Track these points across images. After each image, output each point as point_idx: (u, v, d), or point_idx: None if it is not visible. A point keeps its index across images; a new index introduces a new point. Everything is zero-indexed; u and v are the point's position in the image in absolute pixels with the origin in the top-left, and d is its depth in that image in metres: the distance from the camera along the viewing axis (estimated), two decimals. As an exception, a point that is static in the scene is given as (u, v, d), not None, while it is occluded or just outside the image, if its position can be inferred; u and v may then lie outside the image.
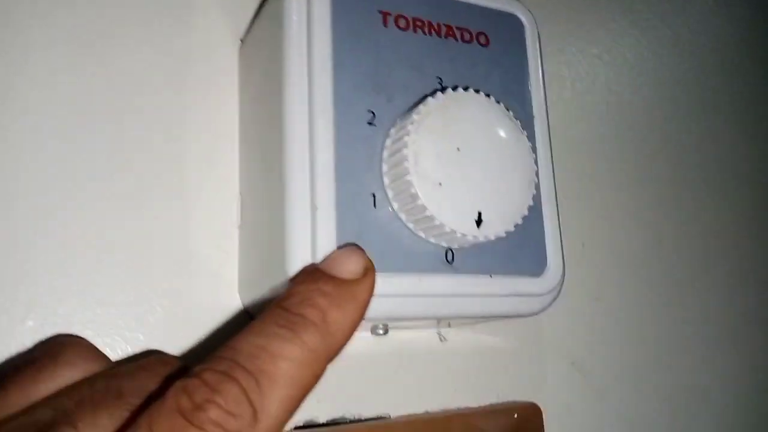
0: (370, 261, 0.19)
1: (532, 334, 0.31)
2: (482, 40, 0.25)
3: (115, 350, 0.24)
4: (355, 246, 0.20)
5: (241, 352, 0.16)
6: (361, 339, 0.27)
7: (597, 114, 0.38)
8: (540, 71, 0.26)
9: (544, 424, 0.29)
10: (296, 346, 0.16)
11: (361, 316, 0.18)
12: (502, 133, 0.22)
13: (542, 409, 0.30)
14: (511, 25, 0.26)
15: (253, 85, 0.26)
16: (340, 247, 0.20)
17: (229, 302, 0.26)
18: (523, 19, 0.26)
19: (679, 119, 0.40)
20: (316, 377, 0.17)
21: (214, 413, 0.14)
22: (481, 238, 0.21)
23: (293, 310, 0.17)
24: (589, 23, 0.39)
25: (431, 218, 0.21)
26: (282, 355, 0.16)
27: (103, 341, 0.23)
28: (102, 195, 0.24)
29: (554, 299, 0.24)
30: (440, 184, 0.21)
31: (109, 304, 0.24)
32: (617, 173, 0.37)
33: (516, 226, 0.22)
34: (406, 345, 0.28)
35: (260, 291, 0.24)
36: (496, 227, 0.21)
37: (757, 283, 0.40)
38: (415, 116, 0.21)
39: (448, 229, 0.21)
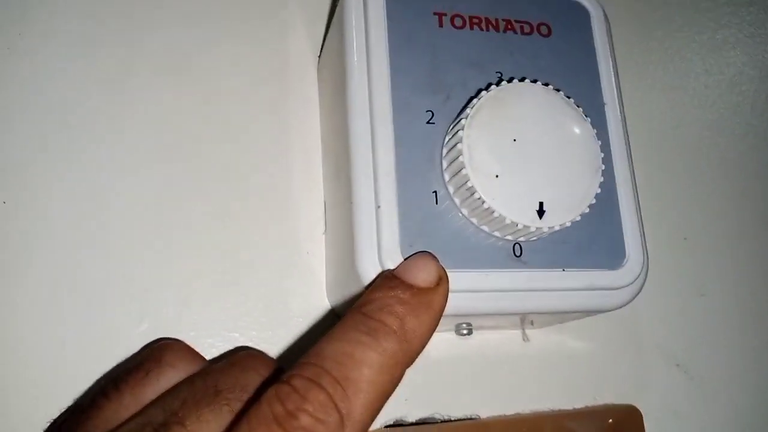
0: (444, 269, 0.20)
1: (630, 334, 0.30)
2: (544, 31, 0.25)
3: (218, 349, 0.25)
4: (428, 254, 0.20)
5: (326, 358, 0.17)
6: (446, 340, 0.27)
7: (700, 108, 0.35)
8: (610, 59, 0.25)
9: (645, 428, 0.28)
10: (377, 353, 0.17)
11: (436, 324, 0.19)
12: (561, 121, 0.22)
13: (642, 413, 0.28)
14: (575, 14, 0.26)
15: (327, 96, 0.27)
16: (413, 254, 0.21)
17: (319, 304, 0.27)
18: (589, 6, 0.26)
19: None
20: (395, 383, 0.18)
21: (305, 420, 0.16)
22: (545, 229, 0.21)
23: (374, 317, 0.18)
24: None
25: (490, 211, 0.20)
26: (365, 361, 0.17)
27: (206, 342, 0.25)
28: (204, 209, 0.26)
29: (637, 293, 0.23)
30: (497, 176, 0.21)
31: (210, 307, 0.26)
32: (720, 167, 0.34)
33: (583, 215, 0.21)
34: (491, 345, 0.28)
35: (342, 291, 0.24)
36: (559, 217, 0.21)
37: None
38: (468, 110, 0.21)
39: (508, 221, 0.20)
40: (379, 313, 0.18)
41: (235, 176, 0.27)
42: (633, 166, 0.24)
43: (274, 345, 0.26)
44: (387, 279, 0.19)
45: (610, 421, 0.27)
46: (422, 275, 0.19)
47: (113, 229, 0.25)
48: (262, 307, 0.26)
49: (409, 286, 0.19)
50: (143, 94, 0.27)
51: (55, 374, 0.24)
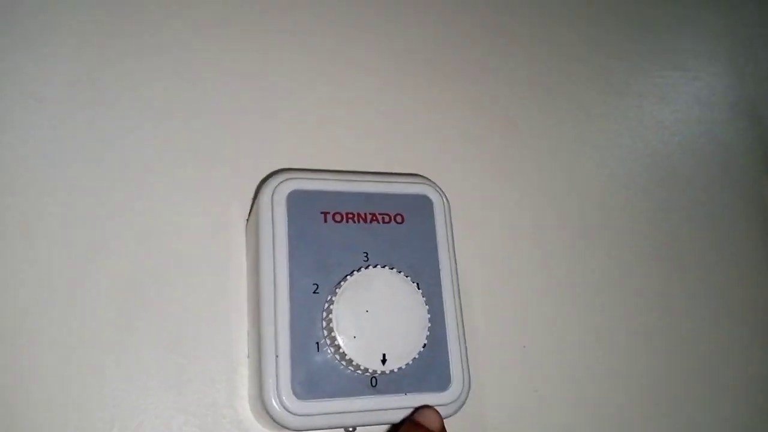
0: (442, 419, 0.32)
1: (480, 427, 0.40)
2: (399, 219, 0.36)
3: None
4: (434, 409, 0.32)
5: None
6: (335, 434, 0.37)
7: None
8: (446, 235, 0.36)
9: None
10: None
11: None
12: (400, 295, 0.32)
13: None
14: (421, 203, 0.36)
15: (250, 257, 0.38)
16: (425, 407, 0.32)
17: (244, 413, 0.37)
18: (432, 197, 0.37)
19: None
20: None
21: None
22: (387, 371, 0.31)
23: None
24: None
25: (351, 360, 0.31)
26: None
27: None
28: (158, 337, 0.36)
29: (460, 406, 0.34)
30: (354, 336, 0.31)
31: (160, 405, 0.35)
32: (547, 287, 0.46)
33: (420, 355, 0.32)
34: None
35: (255, 411, 0.34)
36: (397, 362, 0.31)
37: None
38: (337, 290, 0.32)
39: (362, 367, 0.31)
40: None
41: (178, 316, 0.37)
42: (462, 317, 0.35)
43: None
44: (414, 425, 0.31)
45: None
46: (436, 424, 0.31)
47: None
48: (200, 417, 0.36)
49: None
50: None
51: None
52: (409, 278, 0.33)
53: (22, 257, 0.36)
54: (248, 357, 0.37)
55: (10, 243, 0.36)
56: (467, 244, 0.42)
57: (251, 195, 0.40)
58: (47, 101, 0.39)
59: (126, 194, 0.38)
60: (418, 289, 0.33)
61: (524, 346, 0.44)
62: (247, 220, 0.40)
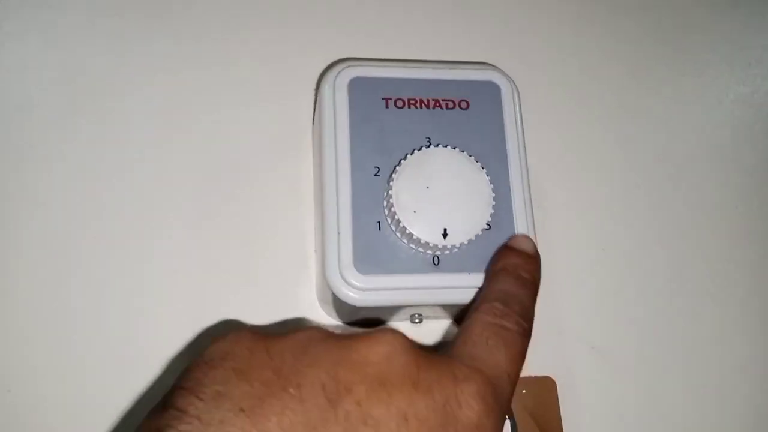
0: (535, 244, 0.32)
1: (546, 322, 0.39)
2: (463, 105, 0.35)
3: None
4: (526, 235, 0.33)
5: (499, 294, 0.29)
6: (403, 327, 0.37)
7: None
8: (515, 122, 0.35)
9: (559, 396, 0.37)
10: (528, 291, 0.30)
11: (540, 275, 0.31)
12: (462, 172, 0.32)
13: (555, 382, 0.37)
14: (489, 89, 0.36)
15: (315, 153, 0.38)
16: (519, 235, 0.33)
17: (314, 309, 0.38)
18: (499, 83, 0.36)
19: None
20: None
21: (511, 320, 0.28)
22: (448, 246, 0.31)
23: (520, 274, 0.30)
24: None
25: (411, 234, 0.31)
26: (525, 295, 0.30)
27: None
28: (224, 241, 0.38)
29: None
30: (415, 211, 0.31)
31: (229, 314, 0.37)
32: (638, 193, 0.44)
33: (485, 236, 0.32)
34: (437, 331, 0.38)
35: (320, 294, 0.35)
36: (458, 238, 0.31)
37: None
38: (397, 168, 0.32)
39: (423, 241, 0.31)
40: (520, 271, 0.31)
41: (258, 209, 0.38)
42: (531, 204, 0.34)
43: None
44: (509, 249, 0.32)
45: (524, 391, 0.36)
46: (530, 248, 0.32)
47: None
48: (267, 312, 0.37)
49: (527, 254, 0.32)
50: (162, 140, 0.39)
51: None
52: (472, 157, 0.32)
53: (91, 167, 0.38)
54: (315, 251, 0.38)
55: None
56: (540, 137, 0.40)
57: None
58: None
59: (194, 98, 0.40)
60: (485, 172, 0.32)
61: (603, 249, 0.42)
62: (312, 122, 0.40)
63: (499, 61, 0.39)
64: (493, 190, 0.32)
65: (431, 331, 0.38)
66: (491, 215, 0.32)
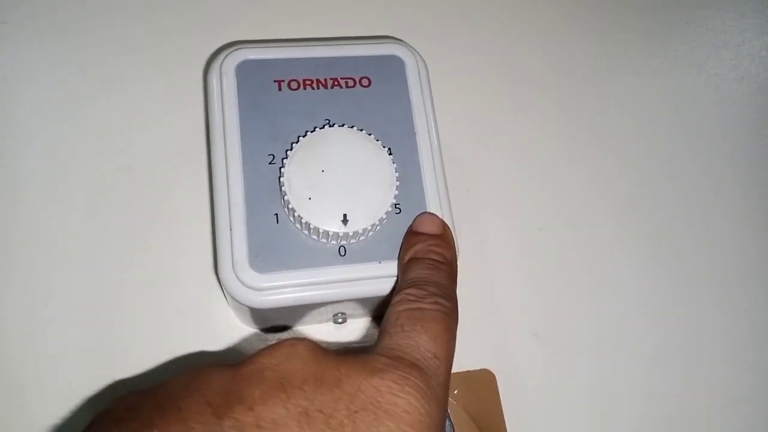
0: (441, 220, 0.30)
1: (489, 309, 0.36)
2: (364, 82, 0.32)
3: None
4: (429, 212, 0.30)
5: (417, 279, 0.26)
6: (326, 329, 0.34)
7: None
8: (423, 97, 0.32)
9: (499, 389, 0.34)
10: (443, 273, 0.27)
11: (455, 253, 0.29)
12: (362, 153, 0.29)
13: (495, 374, 0.34)
14: (392, 65, 0.33)
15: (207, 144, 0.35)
16: (422, 213, 0.30)
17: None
18: (403, 57, 0.33)
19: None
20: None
21: (430, 300, 0.25)
22: (350, 233, 0.28)
23: (430, 257, 0.28)
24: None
25: (308, 224, 0.28)
26: (440, 278, 0.27)
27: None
28: (126, 249, 0.35)
29: (446, 275, 0.30)
30: (309, 198, 0.28)
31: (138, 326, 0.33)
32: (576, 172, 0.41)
33: (393, 219, 0.29)
34: (360, 330, 0.35)
35: (232, 304, 0.32)
36: (361, 223, 0.28)
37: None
38: (289, 153, 0.29)
39: (321, 230, 0.28)
40: (427, 254, 0.28)
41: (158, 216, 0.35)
42: (445, 183, 0.31)
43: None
44: (413, 235, 0.29)
45: (456, 392, 0.33)
46: (436, 227, 0.29)
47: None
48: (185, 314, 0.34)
49: (432, 235, 0.29)
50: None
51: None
52: (372, 135, 0.30)
53: None
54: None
55: None
56: (451, 113, 0.37)
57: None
58: None
59: (84, 92, 0.37)
60: (387, 151, 0.30)
61: (540, 229, 0.39)
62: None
63: (405, 35, 0.36)
64: (397, 170, 0.29)
65: (356, 331, 0.35)
66: (396, 197, 0.29)
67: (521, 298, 0.37)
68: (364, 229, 0.28)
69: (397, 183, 0.29)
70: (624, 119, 0.43)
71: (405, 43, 0.34)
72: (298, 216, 0.28)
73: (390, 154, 0.30)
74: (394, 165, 0.29)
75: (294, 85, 0.32)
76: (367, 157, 0.29)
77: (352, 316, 0.34)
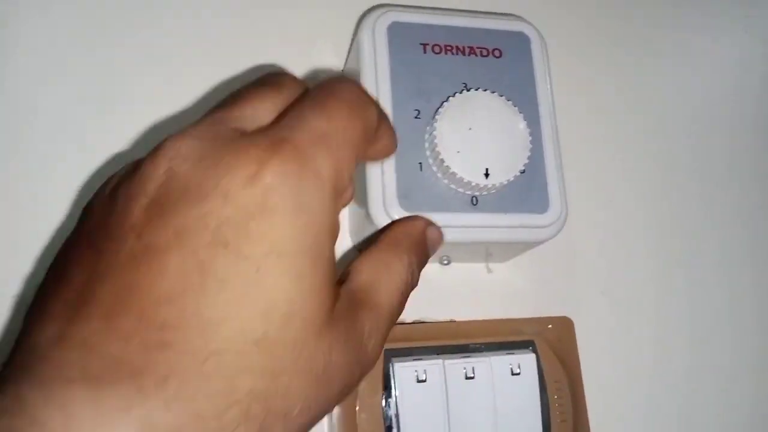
0: None
1: (562, 268, 0.41)
2: (497, 53, 0.36)
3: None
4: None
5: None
6: (432, 268, 0.39)
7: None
8: (545, 72, 0.37)
9: (576, 333, 0.39)
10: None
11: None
12: (502, 116, 0.33)
13: (573, 321, 0.40)
14: (519, 40, 0.37)
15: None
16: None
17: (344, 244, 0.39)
18: (529, 34, 0.37)
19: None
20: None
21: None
22: (489, 185, 0.32)
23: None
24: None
25: (454, 174, 0.32)
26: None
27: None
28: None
29: (557, 232, 0.35)
30: (458, 151, 0.32)
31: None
32: (644, 151, 0.46)
33: (517, 178, 0.33)
34: (464, 272, 0.39)
35: (357, 232, 0.36)
36: (499, 177, 0.32)
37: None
38: (440, 110, 0.33)
39: (465, 181, 0.32)
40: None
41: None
42: (559, 145, 0.36)
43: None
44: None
45: (550, 326, 0.39)
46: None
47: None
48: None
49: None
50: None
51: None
52: (510, 102, 0.34)
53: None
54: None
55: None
56: (564, 86, 0.42)
57: (347, 38, 0.41)
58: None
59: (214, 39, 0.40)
60: (522, 117, 0.34)
61: (611, 201, 0.44)
62: (343, 69, 0.41)
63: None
64: (530, 134, 0.34)
65: (459, 271, 0.39)
66: (528, 156, 0.33)
67: (594, 260, 0.42)
68: (501, 183, 0.33)
69: (531, 146, 0.33)
70: (709, 96, 0.48)
71: (530, 22, 0.38)
72: (446, 166, 0.32)
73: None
74: (529, 130, 0.34)
75: (437, 49, 0.35)
76: (506, 118, 0.33)
77: (457, 260, 0.39)
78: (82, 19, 0.39)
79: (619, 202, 0.44)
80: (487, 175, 0.32)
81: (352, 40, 0.39)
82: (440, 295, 0.39)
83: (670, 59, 0.49)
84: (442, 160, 0.32)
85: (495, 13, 0.38)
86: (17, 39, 0.37)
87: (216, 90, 0.39)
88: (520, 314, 0.39)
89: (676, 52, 0.49)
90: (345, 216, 0.39)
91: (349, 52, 0.40)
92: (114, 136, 0.37)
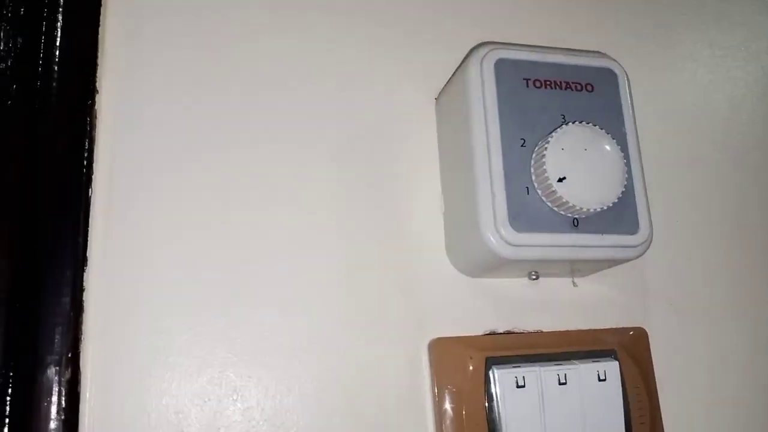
0: None
1: (639, 282, 0.45)
2: (589, 88, 0.40)
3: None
4: None
5: None
6: (522, 282, 0.42)
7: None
8: (629, 105, 0.40)
9: (650, 343, 0.43)
10: None
11: None
12: (603, 149, 0.37)
13: (647, 332, 0.43)
14: (607, 76, 0.41)
15: (448, 129, 0.42)
16: None
17: (440, 261, 0.42)
18: (616, 71, 0.41)
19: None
20: None
21: None
22: (590, 211, 0.36)
23: None
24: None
25: (560, 198, 0.36)
26: None
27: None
28: (354, 222, 0.42)
29: (645, 251, 0.38)
30: (564, 178, 0.36)
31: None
32: (705, 173, 0.50)
33: (614, 204, 0.37)
34: (552, 286, 0.43)
35: (460, 250, 0.40)
36: (599, 203, 0.36)
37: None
38: (547, 140, 0.36)
39: (570, 204, 0.36)
40: None
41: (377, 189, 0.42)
42: (643, 171, 0.39)
43: (408, 293, 0.41)
44: None
45: (631, 333, 0.42)
46: None
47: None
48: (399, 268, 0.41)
49: None
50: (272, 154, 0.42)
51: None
52: (609, 135, 0.37)
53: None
54: (443, 213, 0.42)
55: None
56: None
57: (439, 74, 0.45)
58: None
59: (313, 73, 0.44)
60: (620, 149, 0.37)
61: (677, 221, 0.48)
62: (437, 98, 0.44)
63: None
64: (626, 165, 0.37)
65: (546, 286, 0.43)
66: (624, 185, 0.37)
67: (664, 273, 0.46)
68: (602, 208, 0.36)
69: (627, 176, 0.37)
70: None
71: (615, 59, 0.41)
72: (554, 191, 0.36)
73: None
74: (625, 161, 0.37)
75: (538, 83, 0.39)
76: (606, 149, 0.37)
77: (545, 275, 0.43)
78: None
79: (686, 222, 0.48)
80: (589, 201, 0.36)
81: (454, 73, 0.42)
82: (529, 306, 0.42)
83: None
84: (549, 185, 0.36)
85: (586, 51, 0.42)
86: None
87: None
88: (601, 324, 0.43)
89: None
90: (441, 235, 0.42)
91: (447, 83, 0.43)
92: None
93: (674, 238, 0.47)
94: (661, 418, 0.42)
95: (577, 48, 0.43)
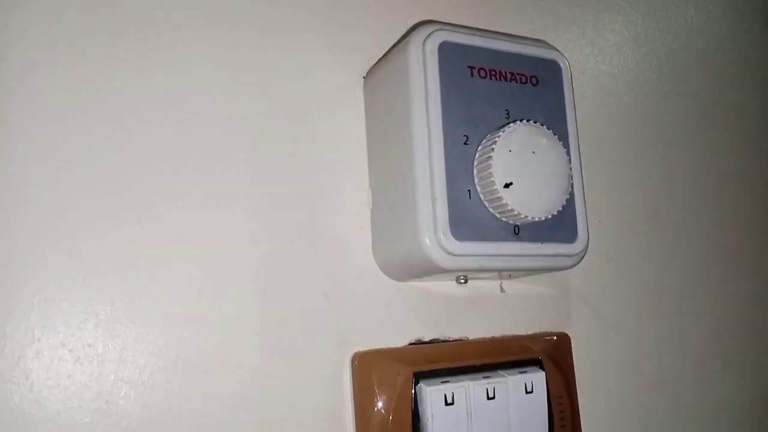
0: None
1: (562, 286, 0.43)
2: (533, 81, 0.37)
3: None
4: None
5: None
6: (450, 286, 0.39)
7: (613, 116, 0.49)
8: (572, 102, 0.38)
9: (572, 348, 0.42)
10: None
11: None
12: (551, 151, 0.34)
13: (570, 337, 0.42)
14: (551, 67, 0.38)
15: (379, 114, 0.38)
16: None
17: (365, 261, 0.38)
18: (561, 63, 0.38)
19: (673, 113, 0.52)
20: None
21: None
22: (535, 218, 0.33)
23: None
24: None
25: (505, 205, 0.32)
26: None
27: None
28: (268, 219, 0.36)
29: (581, 259, 0.36)
30: (510, 183, 0.32)
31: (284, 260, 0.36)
32: (627, 165, 0.49)
33: (558, 211, 0.34)
34: (479, 291, 0.40)
35: (391, 254, 0.36)
36: (545, 212, 0.33)
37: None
38: (494, 141, 0.33)
39: (516, 212, 0.33)
40: None
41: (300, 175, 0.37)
42: (582, 176, 0.37)
43: (329, 287, 0.37)
44: None
45: (555, 338, 0.41)
46: None
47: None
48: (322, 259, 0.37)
49: None
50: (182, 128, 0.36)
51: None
52: (556, 136, 0.34)
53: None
54: (371, 209, 0.38)
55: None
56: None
57: (368, 50, 0.40)
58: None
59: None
60: (566, 153, 0.35)
61: (599, 221, 0.47)
62: (365, 77, 0.39)
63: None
64: (571, 170, 0.35)
65: (474, 289, 0.40)
66: (569, 192, 0.34)
67: (586, 276, 0.45)
68: (548, 216, 0.33)
69: (571, 187, 0.34)
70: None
71: (558, 50, 0.38)
72: (498, 198, 0.32)
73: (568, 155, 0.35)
74: (570, 165, 0.35)
75: (483, 73, 0.35)
76: (553, 155, 0.34)
77: (473, 279, 0.40)
78: None
79: (606, 227, 0.47)
80: (535, 209, 0.33)
81: (390, 51, 0.37)
82: (454, 313, 0.39)
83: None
84: (495, 191, 0.32)
85: (528, 38, 0.38)
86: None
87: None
88: (527, 329, 0.41)
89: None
90: (367, 233, 0.38)
91: (379, 61, 0.38)
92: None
93: (596, 241, 0.46)
94: (580, 423, 0.41)
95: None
